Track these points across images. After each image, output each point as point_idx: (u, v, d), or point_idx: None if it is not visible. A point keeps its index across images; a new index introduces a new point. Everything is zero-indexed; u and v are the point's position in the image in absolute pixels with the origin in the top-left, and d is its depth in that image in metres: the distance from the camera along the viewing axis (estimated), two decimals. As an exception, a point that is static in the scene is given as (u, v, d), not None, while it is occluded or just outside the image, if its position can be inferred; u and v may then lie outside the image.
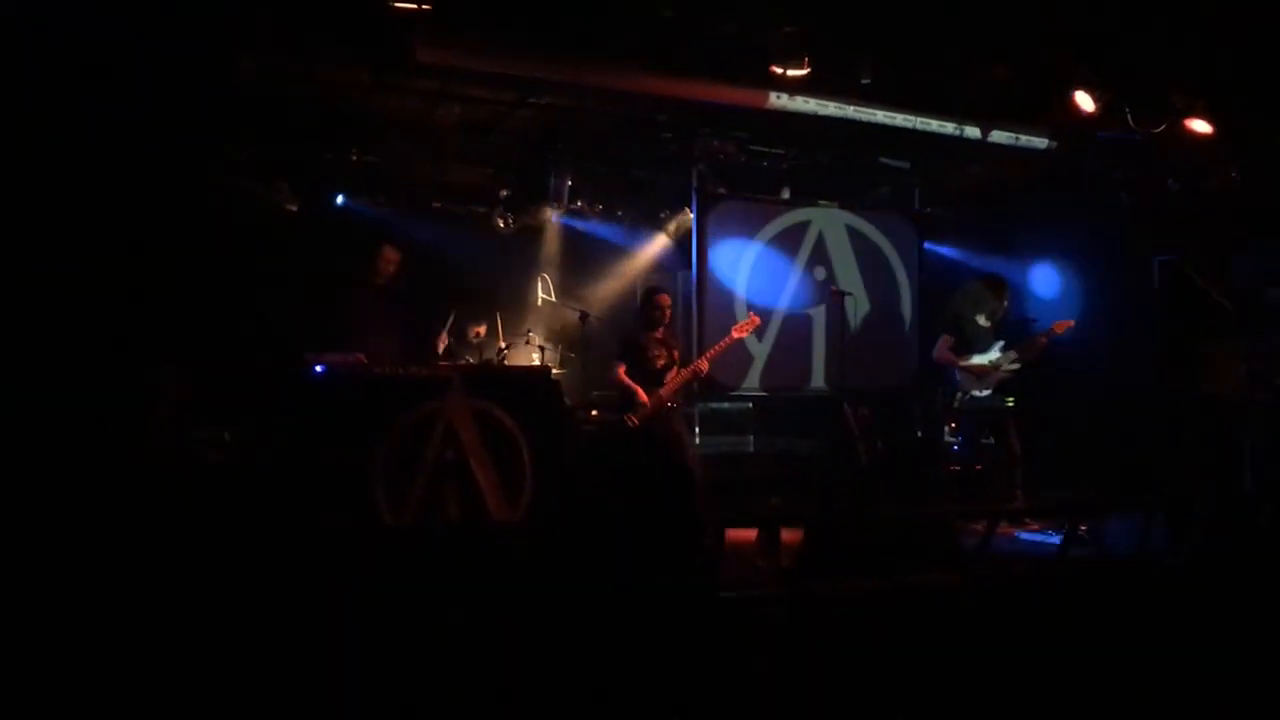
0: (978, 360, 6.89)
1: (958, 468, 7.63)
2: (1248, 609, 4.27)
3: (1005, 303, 7.01)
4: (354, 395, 4.99)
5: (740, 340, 6.71)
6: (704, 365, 6.50)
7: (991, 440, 7.11)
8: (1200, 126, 6.77)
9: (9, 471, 4.72)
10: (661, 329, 6.43)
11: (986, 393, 6.89)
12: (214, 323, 7.07)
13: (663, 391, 6.28)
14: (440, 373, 5.25)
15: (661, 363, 6.36)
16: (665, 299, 6.50)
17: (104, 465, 4.98)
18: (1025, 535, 6.39)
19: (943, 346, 7.03)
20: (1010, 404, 6.94)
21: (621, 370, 6.35)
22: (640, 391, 6.25)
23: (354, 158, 7.54)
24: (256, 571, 4.00)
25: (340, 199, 7.68)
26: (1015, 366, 6.89)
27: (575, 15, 5.72)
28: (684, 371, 6.39)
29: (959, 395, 6.97)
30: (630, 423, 6.24)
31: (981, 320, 6.96)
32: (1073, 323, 6.89)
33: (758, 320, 6.79)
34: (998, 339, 6.94)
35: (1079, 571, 5.13)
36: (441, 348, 6.82)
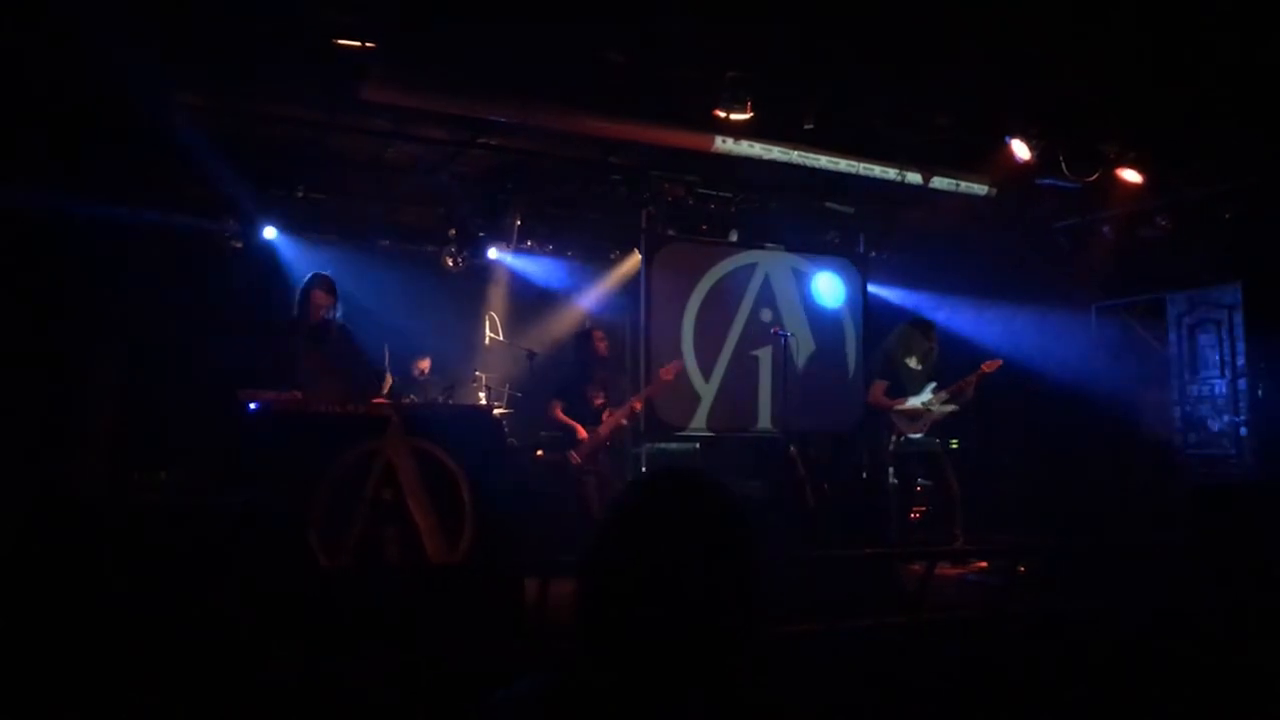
0: (910, 403, 6.95)
1: (914, 510, 7.63)
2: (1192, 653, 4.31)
3: (933, 345, 7.05)
4: (289, 433, 4.88)
5: (668, 383, 6.81)
6: (638, 404, 6.75)
7: (929, 483, 7.18)
8: (1130, 176, 6.98)
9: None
10: (598, 368, 6.52)
11: (921, 435, 6.94)
12: (153, 361, 6.94)
13: (601, 430, 6.35)
14: (378, 411, 5.15)
15: (599, 401, 6.43)
16: (600, 337, 6.58)
17: (35, 505, 4.81)
18: (971, 577, 6.42)
19: (876, 391, 7.09)
20: (943, 446, 7.00)
21: (558, 409, 6.41)
22: (579, 428, 6.30)
23: (300, 195, 7.48)
24: (189, 615, 3.88)
25: (274, 233, 7.59)
26: (949, 408, 6.96)
27: (525, 56, 5.75)
28: (618, 411, 6.48)
29: (895, 439, 7.01)
30: (573, 460, 6.27)
31: (912, 363, 7.01)
32: (1000, 362, 6.98)
33: (681, 365, 7.13)
34: (930, 381, 7.00)
35: (1021, 614, 5.15)
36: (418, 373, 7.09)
